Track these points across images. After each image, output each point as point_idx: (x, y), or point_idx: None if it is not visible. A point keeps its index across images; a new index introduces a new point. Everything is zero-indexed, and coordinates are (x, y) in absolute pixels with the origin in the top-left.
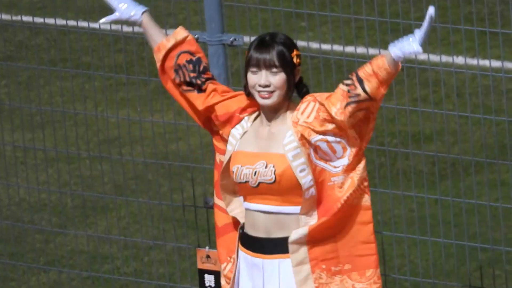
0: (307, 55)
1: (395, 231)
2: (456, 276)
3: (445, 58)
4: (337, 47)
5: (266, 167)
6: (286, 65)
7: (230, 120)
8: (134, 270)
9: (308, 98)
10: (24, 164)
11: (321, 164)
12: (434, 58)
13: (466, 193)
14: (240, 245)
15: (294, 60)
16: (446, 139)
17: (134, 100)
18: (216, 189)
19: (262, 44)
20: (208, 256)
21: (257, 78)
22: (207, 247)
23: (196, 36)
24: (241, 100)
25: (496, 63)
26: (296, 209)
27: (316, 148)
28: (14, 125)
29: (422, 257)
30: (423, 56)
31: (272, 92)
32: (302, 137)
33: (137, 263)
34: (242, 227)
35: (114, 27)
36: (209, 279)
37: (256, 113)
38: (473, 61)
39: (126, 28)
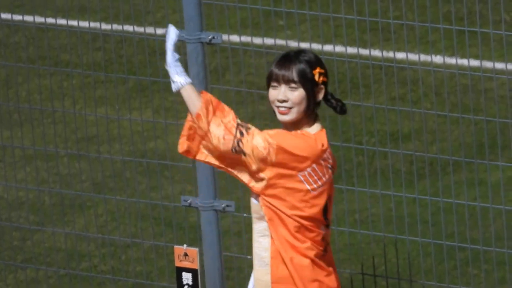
0: None
1: (372, 230)
2: (434, 275)
3: (423, 57)
4: (316, 46)
5: None
6: (306, 81)
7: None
8: (112, 268)
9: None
10: (2, 161)
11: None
12: (412, 56)
13: (444, 192)
14: None
15: (316, 77)
16: (424, 138)
17: (112, 98)
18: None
19: (285, 59)
20: (186, 254)
21: (276, 93)
22: (185, 245)
23: None
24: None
25: (474, 62)
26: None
27: None
28: None
29: (400, 256)
30: (401, 55)
31: (290, 108)
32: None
33: (114, 261)
34: None
35: (92, 24)
36: (186, 277)
37: None
38: (451, 60)
39: (105, 26)
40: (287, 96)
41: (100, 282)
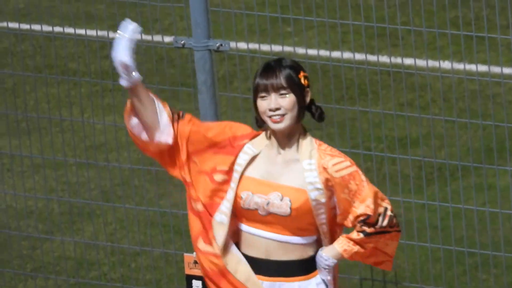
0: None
1: None
2: (443, 280)
3: (431, 63)
4: (323, 52)
5: (281, 199)
6: (295, 86)
7: (229, 149)
8: (121, 276)
9: (342, 155)
10: (10, 170)
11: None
12: (420, 62)
13: (452, 197)
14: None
15: (302, 81)
16: (433, 143)
17: (120, 106)
18: (202, 235)
19: (268, 69)
20: (195, 262)
21: (267, 103)
22: (194, 253)
23: (183, 41)
24: (231, 128)
25: (482, 68)
26: (303, 239)
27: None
28: (0, 131)
29: (409, 261)
30: (409, 61)
31: (283, 115)
32: (325, 183)
33: (124, 269)
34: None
35: (100, 33)
36: (196, 285)
37: (259, 137)
38: (459, 66)
39: (112, 34)
40: (279, 104)
41: None
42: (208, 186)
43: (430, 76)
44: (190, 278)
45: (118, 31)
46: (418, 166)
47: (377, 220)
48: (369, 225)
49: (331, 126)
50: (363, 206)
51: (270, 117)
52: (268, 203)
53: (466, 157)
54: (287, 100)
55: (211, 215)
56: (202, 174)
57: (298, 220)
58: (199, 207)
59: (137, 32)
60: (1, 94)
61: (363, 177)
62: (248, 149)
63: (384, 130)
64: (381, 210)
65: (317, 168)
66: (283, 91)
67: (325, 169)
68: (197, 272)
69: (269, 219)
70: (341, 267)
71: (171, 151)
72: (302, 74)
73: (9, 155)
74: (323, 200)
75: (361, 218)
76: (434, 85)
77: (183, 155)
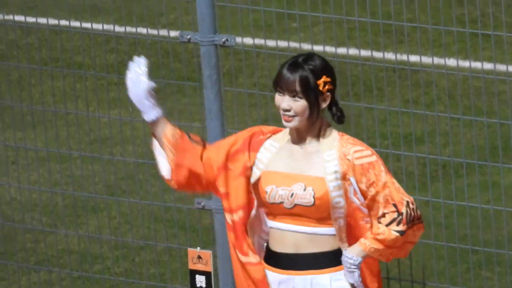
0: None
1: None
2: (447, 278)
3: (437, 60)
4: (329, 48)
5: (304, 189)
6: (309, 92)
7: (251, 146)
8: (125, 270)
9: (364, 145)
10: (15, 163)
11: (356, 202)
12: (426, 59)
13: (457, 195)
14: (265, 264)
15: (320, 87)
16: (438, 140)
17: (126, 100)
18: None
19: (293, 65)
20: (199, 257)
21: (281, 100)
22: (198, 248)
23: (189, 36)
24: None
25: (488, 65)
26: (331, 230)
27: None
28: (5, 124)
29: (412, 258)
30: (414, 58)
31: (293, 116)
32: (345, 173)
33: (127, 263)
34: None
35: (106, 27)
36: (200, 280)
37: (282, 133)
38: (465, 63)
39: (118, 28)
40: (290, 106)
41: (113, 284)
42: (245, 186)
43: (436, 73)
44: (193, 273)
45: (128, 71)
46: (422, 163)
47: (405, 216)
48: (398, 223)
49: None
50: (391, 206)
51: (282, 114)
52: (292, 195)
53: (470, 155)
54: (298, 104)
55: (244, 225)
56: (239, 177)
57: (323, 210)
58: (235, 217)
59: (145, 66)
60: (7, 86)
61: (383, 168)
62: (270, 145)
63: (389, 127)
64: (405, 203)
65: (338, 157)
66: (295, 94)
67: (345, 155)
68: (200, 267)
69: (295, 211)
70: None
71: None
72: (323, 79)
73: (14, 147)
74: (341, 191)
75: (392, 218)
76: (440, 82)
77: (216, 165)
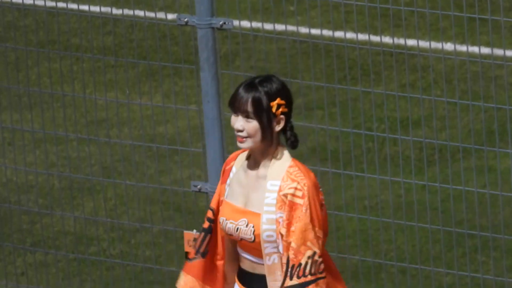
0: (296, 39)
1: (382, 216)
2: (443, 262)
3: (434, 44)
4: (326, 32)
5: (247, 225)
6: (261, 113)
7: (223, 177)
8: (121, 252)
9: (306, 185)
10: (11, 145)
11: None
12: (423, 44)
13: (453, 179)
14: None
15: (274, 109)
16: (434, 124)
17: (122, 83)
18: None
19: (248, 85)
20: (195, 239)
21: (234, 120)
22: (194, 230)
23: (186, 19)
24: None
25: (485, 50)
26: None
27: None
28: (2, 105)
29: (408, 242)
30: (412, 42)
31: (246, 137)
32: (279, 208)
33: (123, 245)
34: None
35: (103, 9)
36: None
37: (243, 153)
38: (462, 47)
39: (115, 11)
40: (243, 126)
41: (109, 266)
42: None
43: (433, 58)
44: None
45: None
46: (419, 148)
47: (302, 266)
48: (292, 277)
49: (333, 106)
50: (292, 252)
51: (236, 134)
52: (237, 229)
53: (467, 139)
54: (251, 126)
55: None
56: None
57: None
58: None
59: None
60: (4, 68)
61: (307, 214)
62: (232, 172)
63: (386, 111)
64: (309, 253)
65: (278, 190)
66: (248, 115)
67: (282, 190)
68: None
69: (243, 243)
70: (340, 246)
71: None
72: (277, 102)
73: (11, 129)
74: (273, 225)
75: (290, 266)
76: (437, 66)
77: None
